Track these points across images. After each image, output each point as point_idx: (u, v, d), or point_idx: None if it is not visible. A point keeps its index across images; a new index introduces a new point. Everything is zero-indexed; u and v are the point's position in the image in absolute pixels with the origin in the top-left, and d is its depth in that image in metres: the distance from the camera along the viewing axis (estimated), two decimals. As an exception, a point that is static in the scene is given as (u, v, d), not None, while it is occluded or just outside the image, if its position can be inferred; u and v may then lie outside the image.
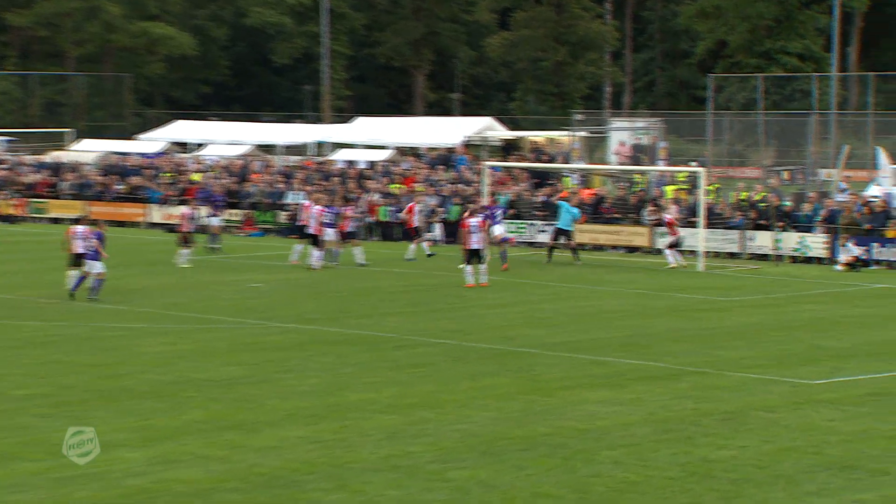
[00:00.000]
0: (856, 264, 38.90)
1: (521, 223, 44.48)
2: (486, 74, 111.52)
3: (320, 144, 63.27)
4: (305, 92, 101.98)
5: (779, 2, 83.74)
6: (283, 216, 50.59)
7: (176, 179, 55.10)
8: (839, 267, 39.04)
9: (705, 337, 26.76)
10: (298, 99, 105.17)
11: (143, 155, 60.40)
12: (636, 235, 44.22)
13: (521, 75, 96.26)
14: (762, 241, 41.84)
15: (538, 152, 55.58)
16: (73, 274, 32.03)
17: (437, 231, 46.80)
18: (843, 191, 47.01)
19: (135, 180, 55.25)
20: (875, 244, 39.73)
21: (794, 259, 41.39)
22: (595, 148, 60.94)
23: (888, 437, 18.16)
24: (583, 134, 56.39)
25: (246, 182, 53.25)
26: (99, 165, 58.48)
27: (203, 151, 62.24)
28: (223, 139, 64.26)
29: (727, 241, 42.53)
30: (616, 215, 44.95)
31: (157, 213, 53.66)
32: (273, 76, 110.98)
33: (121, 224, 54.27)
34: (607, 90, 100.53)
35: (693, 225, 41.52)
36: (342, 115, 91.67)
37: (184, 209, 41.44)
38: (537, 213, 45.16)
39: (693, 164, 53.00)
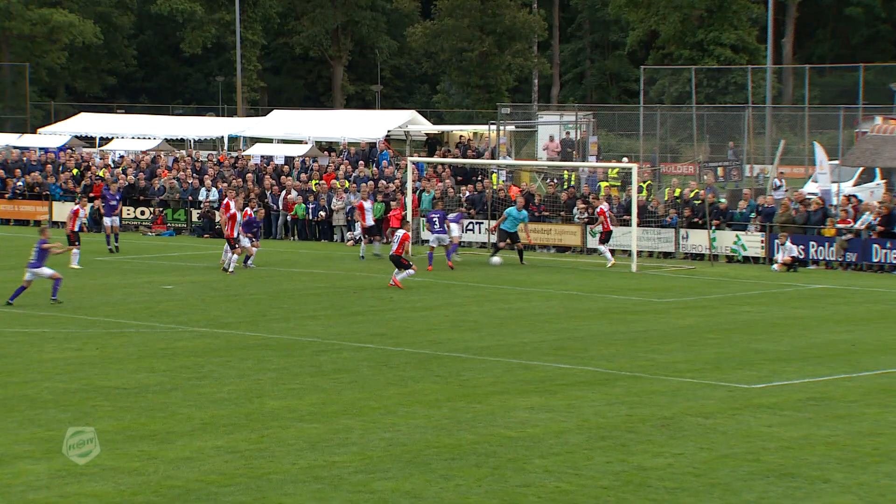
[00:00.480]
0: (793, 264, 39.42)
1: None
2: (408, 66, 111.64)
3: (233, 139, 62.90)
4: (217, 83, 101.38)
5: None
6: (195, 214, 50.24)
7: (81, 175, 54.47)
8: (776, 267, 39.54)
9: (639, 340, 26.97)
10: (210, 91, 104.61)
11: (44, 149, 59.64)
12: (567, 234, 44.47)
13: (445, 67, 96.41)
14: (697, 239, 42.27)
15: (464, 147, 55.70)
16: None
17: (359, 230, 46.71)
18: (778, 188, 47.66)
19: (36, 176, 54.52)
20: (812, 243, 40.29)
21: (730, 259, 41.85)
22: (523, 143, 61.23)
23: (828, 443, 18.42)
24: (510, 128, 56.63)
25: (155, 178, 52.80)
26: (-3, 160, 57.62)
27: (109, 146, 61.61)
28: (131, 133, 63.71)
29: (661, 240, 42.91)
30: (546, 213, 45.16)
31: (60, 211, 52.96)
32: (183, 67, 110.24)
33: (21, 223, 53.62)
34: (535, 82, 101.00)
35: (626, 223, 41.84)
36: (257, 108, 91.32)
37: (72, 206, 40.90)
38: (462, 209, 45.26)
39: (624, 159, 53.45)
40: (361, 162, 52.71)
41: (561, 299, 33.15)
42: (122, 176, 52.99)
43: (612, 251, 41.12)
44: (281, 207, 48.87)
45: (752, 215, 42.25)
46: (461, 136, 58.40)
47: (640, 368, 23.72)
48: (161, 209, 51.04)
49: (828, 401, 21.15)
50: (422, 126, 60.39)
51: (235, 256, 37.63)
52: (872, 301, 33.47)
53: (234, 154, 57.89)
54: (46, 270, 31.01)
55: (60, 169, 55.60)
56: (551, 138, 55.92)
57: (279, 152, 56.84)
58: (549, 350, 25.58)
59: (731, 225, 42.37)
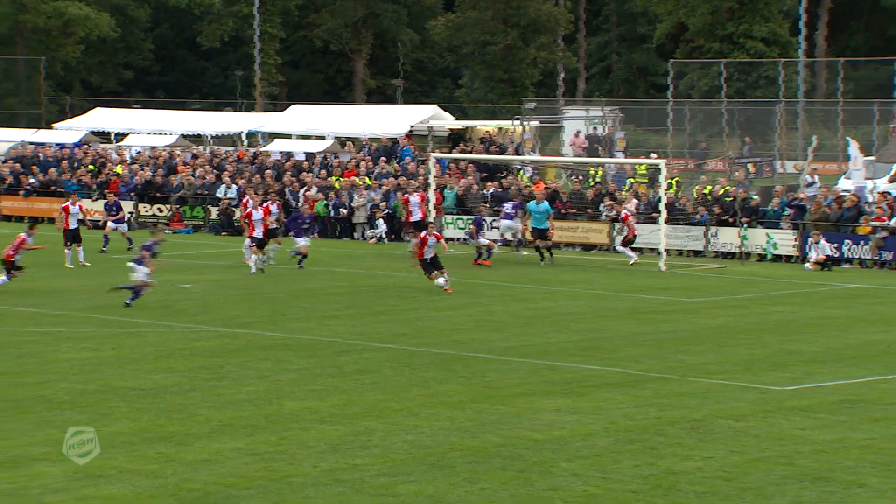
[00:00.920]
0: (827, 263, 39.29)
1: (469, 219, 44.49)
2: (430, 59, 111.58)
3: (252, 134, 63.03)
4: (236, 77, 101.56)
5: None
6: (213, 212, 50.35)
7: (97, 172, 54.66)
8: (809, 266, 39.41)
9: (668, 340, 26.92)
10: (228, 85, 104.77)
11: (60, 145, 59.85)
12: (593, 232, 44.41)
13: (468, 60, 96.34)
14: (727, 237, 42.15)
15: (487, 143, 55.69)
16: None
17: (382, 227, 46.79)
18: (811, 184, 47.51)
19: (51, 173, 54.74)
20: (846, 241, 40.14)
21: (761, 257, 41.73)
22: (548, 138, 61.17)
23: (863, 446, 18.36)
24: (535, 123, 56.56)
25: (173, 175, 52.94)
26: (11, 156, 57.87)
27: (126, 141, 61.80)
28: (147, 128, 63.87)
29: (690, 238, 42.81)
30: (572, 211, 45.11)
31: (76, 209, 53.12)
32: (200, 61, 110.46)
33: (36, 220, 53.72)
34: (560, 76, 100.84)
35: (654, 221, 41.76)
36: (276, 103, 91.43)
37: (64, 203, 40.27)
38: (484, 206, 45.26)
39: (652, 155, 53.35)
40: (382, 158, 52.76)
41: (588, 299, 33.12)
42: (139, 172, 53.19)
43: (639, 249, 41.06)
44: (301, 204, 48.91)
45: (785, 213, 42.11)
46: (485, 131, 58.40)
47: (670, 370, 23.69)
48: (178, 206, 51.16)
49: (863, 403, 21.08)
50: (445, 121, 60.39)
51: (254, 257, 37.23)
52: (908, 301, 33.35)
53: (253, 150, 58.00)
54: (141, 273, 30.67)
55: (76, 165, 55.82)
56: (577, 134, 55.86)
57: (299, 148, 56.93)
58: (575, 351, 25.56)
59: (762, 223, 42.24)
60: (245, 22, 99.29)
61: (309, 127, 60.38)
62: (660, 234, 40.20)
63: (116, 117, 67.16)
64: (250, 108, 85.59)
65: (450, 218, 46.19)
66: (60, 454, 17.54)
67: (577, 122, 56.86)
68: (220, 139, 65.68)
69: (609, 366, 24.02)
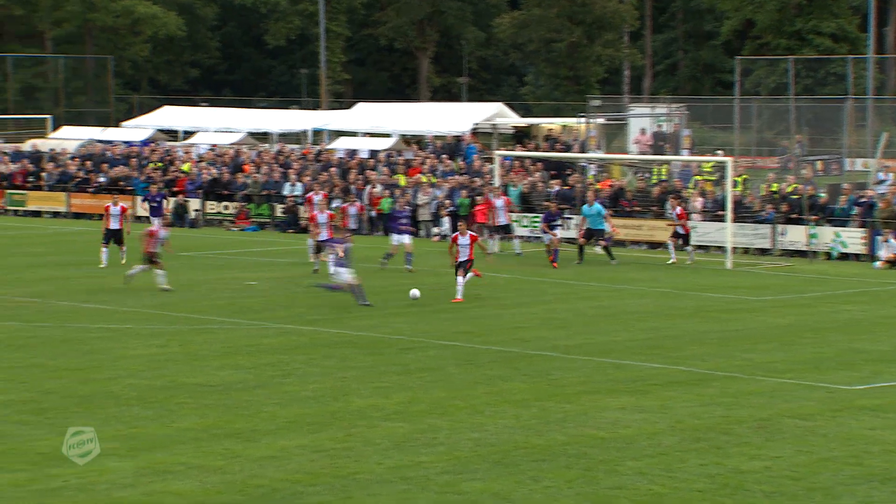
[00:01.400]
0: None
1: (535, 216, 44.44)
2: (495, 57, 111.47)
3: (317, 132, 63.30)
4: (301, 76, 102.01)
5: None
6: (279, 209, 50.64)
7: (164, 170, 55.13)
8: (879, 264, 39.01)
9: (734, 339, 26.76)
10: (294, 83, 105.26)
11: (128, 143, 60.44)
12: (659, 230, 44.19)
13: (534, 58, 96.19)
14: (795, 236, 41.81)
15: (552, 141, 55.57)
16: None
17: (446, 225, 46.83)
18: (881, 181, 47.02)
19: (119, 170, 55.29)
20: (916, 239, 39.67)
21: (829, 256, 41.35)
22: (613, 136, 60.96)
23: (933, 446, 18.17)
24: (600, 121, 56.38)
25: (239, 173, 53.28)
26: (80, 154, 58.52)
27: (192, 139, 62.27)
28: (214, 126, 64.33)
29: (757, 236, 42.50)
30: (637, 209, 44.93)
31: (143, 206, 53.67)
32: (266, 59, 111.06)
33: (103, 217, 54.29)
34: (626, 74, 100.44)
35: (720, 219, 41.50)
36: (341, 101, 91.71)
37: (107, 203, 39.76)
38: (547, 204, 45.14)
39: (719, 153, 53.01)
40: (446, 156, 52.80)
41: (653, 297, 32.98)
42: (206, 170, 53.59)
43: (706, 247, 40.78)
44: (366, 202, 49.09)
45: (853, 211, 41.70)
46: (549, 129, 58.28)
47: (736, 368, 23.54)
48: (244, 204, 51.50)
49: (933, 403, 20.86)
50: (509, 119, 60.36)
51: (328, 258, 36.63)
52: (980, 300, 32.93)
53: (317, 148, 58.25)
54: (346, 274, 30.46)
55: (144, 163, 56.34)
56: (642, 131, 55.65)
57: (364, 146, 57.10)
58: (640, 349, 25.46)
59: (830, 220, 41.86)
60: (311, 20, 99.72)
61: (374, 125, 60.55)
62: (726, 232, 39.94)
63: (183, 115, 67.73)
64: (316, 106, 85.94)
65: (514, 216, 46.11)
66: (128, 450, 17.72)
67: (642, 120, 56.65)
68: (286, 137, 66.01)
69: (674, 364, 23.90)
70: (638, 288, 34.55)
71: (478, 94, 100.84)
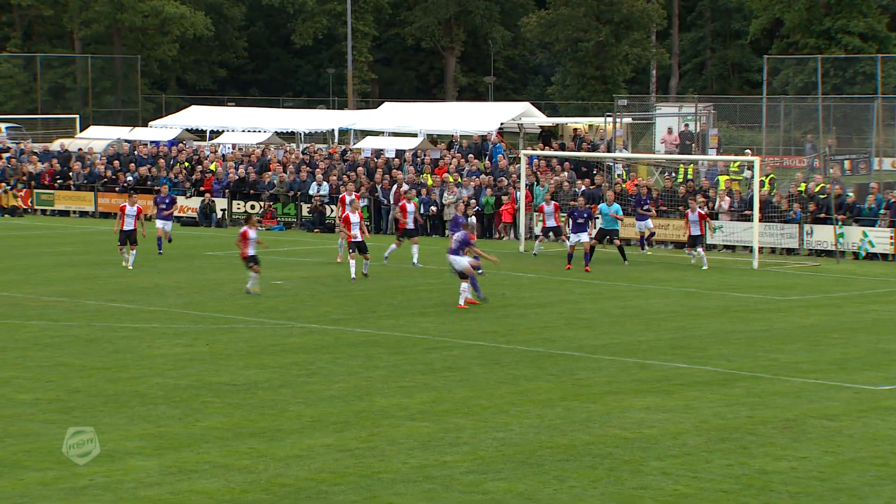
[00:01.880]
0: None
1: (562, 216, 44.35)
2: (522, 56, 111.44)
3: (344, 132, 63.39)
4: (328, 75, 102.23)
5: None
6: (305, 209, 50.73)
7: (192, 169, 55.31)
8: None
9: (760, 339, 26.68)
10: (321, 83, 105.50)
11: (156, 143, 60.68)
12: (685, 229, 44.03)
13: (560, 57, 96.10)
14: (822, 235, 41.66)
15: (579, 140, 55.50)
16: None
17: (472, 224, 46.78)
18: (909, 182, 46.82)
19: (147, 170, 55.50)
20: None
21: (857, 255, 41.18)
22: (640, 135, 60.85)
23: (960, 447, 18.07)
24: (627, 120, 56.30)
25: (265, 172, 53.41)
26: (108, 154, 58.77)
27: (219, 139, 62.47)
28: (241, 126, 64.51)
29: (784, 235, 42.36)
30: (663, 208, 44.84)
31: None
32: (293, 59, 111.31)
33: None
34: (653, 73, 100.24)
35: (747, 219, 41.38)
36: (367, 101, 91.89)
37: (123, 203, 39.05)
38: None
39: (746, 152, 52.86)
40: (472, 155, 52.81)
41: (678, 297, 32.91)
42: (233, 169, 53.73)
43: (732, 247, 40.63)
44: (392, 202, 49.15)
45: (882, 211, 41.52)
46: (575, 128, 58.20)
47: (762, 368, 23.48)
48: (271, 203, 51.62)
49: (960, 404, 20.76)
50: (536, 118, 60.31)
51: (353, 262, 35.33)
52: None
53: (343, 147, 58.34)
54: (462, 261, 30.33)
55: (172, 163, 56.54)
56: (669, 130, 55.51)
57: (390, 145, 57.16)
58: (666, 349, 25.42)
59: (857, 220, 41.68)
60: (338, 20, 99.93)
61: (400, 124, 60.61)
62: (753, 232, 39.82)
63: (211, 115, 67.95)
64: (342, 106, 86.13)
65: (541, 215, 46.05)
66: (154, 449, 17.79)
67: (669, 119, 56.51)
68: (313, 136, 66.16)
69: (700, 364, 23.85)
70: (663, 288, 34.49)
71: (504, 94, 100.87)
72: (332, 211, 48.57)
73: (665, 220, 44.41)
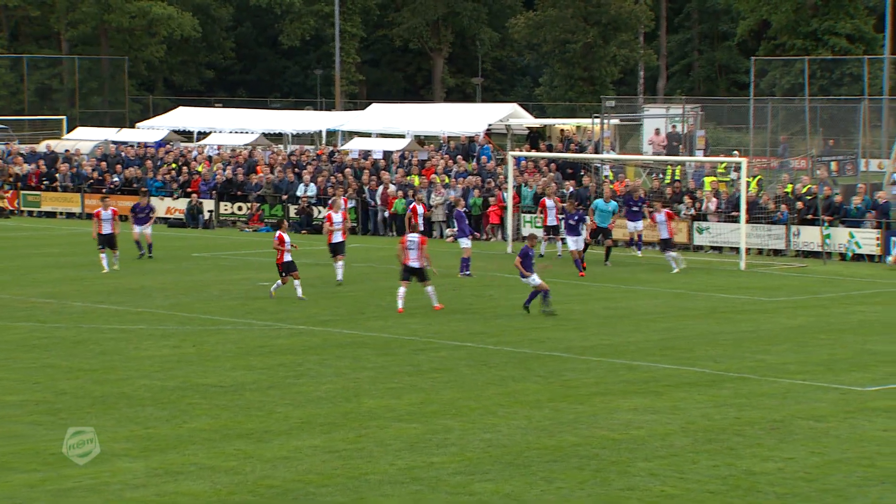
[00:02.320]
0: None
1: (561, 216, 44.32)
2: (509, 58, 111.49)
3: (331, 133, 63.38)
4: (316, 76, 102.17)
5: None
6: (292, 210, 50.71)
7: (179, 170, 55.25)
8: (891, 260, 38.95)
9: (748, 340, 26.73)
10: (308, 84, 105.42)
11: (143, 144, 60.59)
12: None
13: (548, 58, 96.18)
14: (809, 236, 41.74)
15: (566, 141, 55.56)
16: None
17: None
18: (895, 183, 46.94)
19: (134, 171, 55.43)
20: (931, 240, 39.61)
21: (844, 257, 41.28)
22: (628, 137, 60.94)
23: (947, 448, 18.13)
24: (614, 121, 56.37)
25: (252, 173, 53.37)
26: (95, 155, 58.67)
27: (207, 140, 62.43)
28: (228, 127, 64.45)
29: (771, 237, 42.44)
30: (650, 209, 44.83)
31: (158, 207, 53.85)
32: (281, 59, 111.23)
33: (119, 218, 54.39)
34: (641, 74, 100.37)
35: (734, 220, 41.46)
36: (355, 102, 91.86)
37: (97, 209, 38.39)
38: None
39: (734, 153, 52.97)
40: (460, 156, 52.82)
41: (666, 298, 32.96)
42: (220, 171, 53.67)
43: (719, 248, 40.58)
44: (379, 203, 49.15)
45: (869, 211, 41.60)
46: (562, 129, 58.25)
47: (749, 369, 23.52)
48: (258, 205, 51.58)
49: (946, 405, 20.81)
50: (523, 119, 60.34)
51: (339, 264, 34.96)
52: None
53: (330, 148, 58.31)
54: (534, 279, 29.45)
55: (159, 164, 56.47)
56: (657, 132, 55.59)
57: (378, 147, 57.16)
58: (653, 350, 25.46)
59: (844, 221, 41.77)
60: (325, 21, 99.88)
61: (388, 125, 60.60)
62: (740, 233, 39.89)
63: (198, 116, 67.86)
64: (330, 107, 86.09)
65: (528, 216, 46.15)
66: (141, 450, 17.77)
67: (656, 120, 56.59)
68: (300, 138, 66.12)
69: (687, 365, 23.89)
70: (651, 289, 34.54)
71: (492, 95, 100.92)
72: (319, 212, 48.55)
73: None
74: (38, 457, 17.46)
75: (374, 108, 64.76)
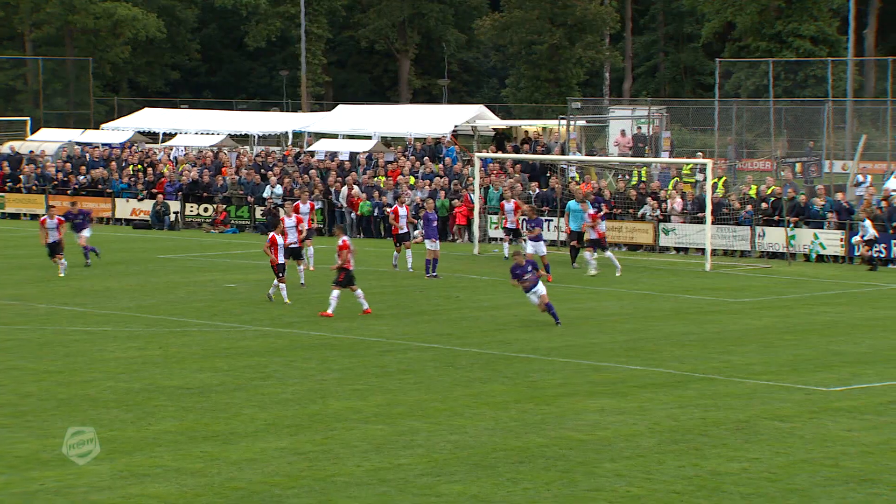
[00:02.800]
0: (872, 244, 39.15)
1: (522, 218, 44.36)
2: (476, 59, 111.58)
3: (297, 134, 63.27)
4: (282, 78, 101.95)
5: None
6: (258, 212, 50.58)
7: (144, 172, 55.01)
8: (856, 239, 39.30)
9: (713, 341, 26.84)
10: (274, 85, 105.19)
11: (108, 145, 60.31)
12: (638, 232, 44.33)
13: (514, 60, 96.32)
14: (774, 238, 41.94)
15: (533, 143, 55.62)
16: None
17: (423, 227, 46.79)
18: (860, 184, 47.23)
19: (99, 173, 55.17)
20: (895, 241, 39.83)
21: (808, 258, 41.48)
22: (594, 138, 61.06)
23: (910, 448, 18.25)
24: (580, 123, 56.47)
25: (218, 175, 53.20)
26: (60, 156, 58.37)
27: (172, 141, 62.20)
28: (194, 128, 64.21)
29: (736, 238, 42.62)
30: (616, 211, 45.00)
31: (123, 208, 53.65)
32: (247, 61, 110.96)
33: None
34: (606, 76, 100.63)
35: (700, 221, 41.61)
36: (321, 103, 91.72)
37: (42, 217, 37.87)
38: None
39: (698, 155, 53.16)
40: (427, 158, 52.82)
41: (632, 299, 33.04)
42: (186, 172, 53.48)
43: (685, 250, 40.68)
44: (345, 204, 49.08)
45: (830, 210, 41.80)
46: (525, 131, 58.30)
47: (714, 370, 23.61)
48: (224, 206, 51.43)
49: (910, 405, 20.95)
50: (490, 121, 60.35)
51: (301, 268, 34.63)
52: (957, 302, 33.07)
53: (296, 150, 58.18)
54: (540, 288, 28.38)
55: (124, 165, 56.23)
56: (623, 133, 55.73)
57: (344, 148, 57.07)
58: (620, 351, 25.52)
59: (808, 223, 41.98)
60: (291, 22, 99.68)
61: (354, 127, 60.51)
62: (705, 234, 40.04)
63: (163, 117, 67.57)
64: (296, 108, 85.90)
65: (494, 218, 46.18)
66: (106, 453, 17.68)
67: (622, 122, 56.73)
68: (266, 139, 65.96)
69: (653, 366, 23.96)
70: (617, 290, 34.62)
71: (458, 96, 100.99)
72: (285, 214, 48.38)
73: (619, 223, 44.57)
74: (3, 459, 17.36)
75: (341, 109, 64.67)
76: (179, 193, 52.51)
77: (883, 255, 39.67)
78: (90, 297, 32.53)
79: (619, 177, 49.84)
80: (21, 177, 56.63)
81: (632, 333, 27.70)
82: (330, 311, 29.52)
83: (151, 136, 65.21)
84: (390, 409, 20.37)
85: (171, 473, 16.75)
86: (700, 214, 41.79)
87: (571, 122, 54.21)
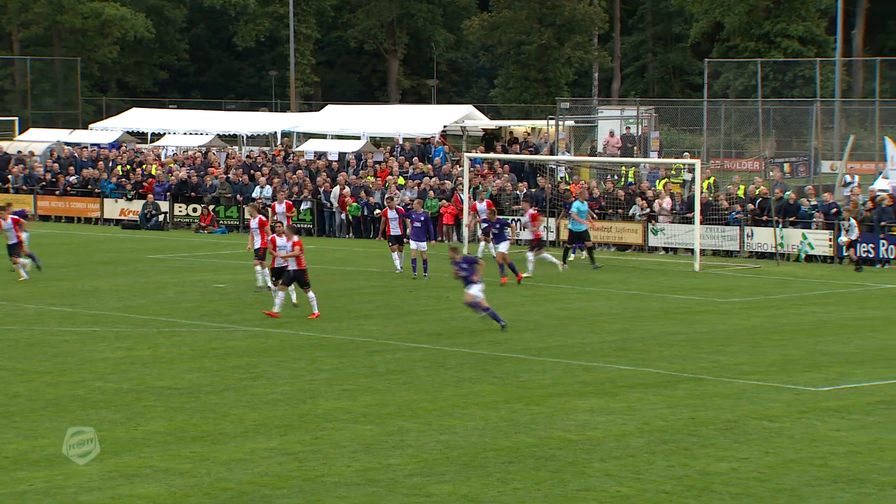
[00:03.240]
0: (856, 243, 39.28)
1: (507, 218, 44.39)
2: (464, 59, 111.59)
3: (286, 134, 63.22)
4: (270, 78, 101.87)
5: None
6: (247, 212, 50.48)
7: (132, 172, 54.93)
8: (843, 239, 39.36)
9: (702, 341, 26.87)
10: (263, 85, 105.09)
11: (96, 145, 60.21)
12: (627, 232, 44.37)
13: (503, 60, 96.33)
14: (762, 238, 42.00)
15: (522, 143, 55.64)
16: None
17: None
18: (848, 184, 47.32)
19: (88, 173, 55.08)
20: (883, 241, 39.93)
21: (797, 258, 41.53)
22: (582, 138, 61.11)
23: (899, 447, 18.29)
24: (569, 123, 56.51)
25: (207, 175, 53.13)
26: (48, 157, 58.26)
27: (161, 141, 62.12)
28: (182, 128, 64.13)
29: (725, 238, 42.68)
30: (606, 211, 45.04)
31: (111, 208, 53.56)
32: (236, 61, 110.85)
33: (72, 220, 54.19)
34: (595, 76, 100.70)
35: (688, 221, 41.66)
36: (310, 103, 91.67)
37: None
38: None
39: (687, 155, 53.23)
40: (416, 158, 52.81)
41: (621, 299, 33.07)
42: (174, 172, 53.41)
43: (674, 250, 40.66)
44: (335, 205, 49.06)
45: (816, 210, 41.87)
46: (511, 131, 58.33)
47: (703, 370, 23.64)
48: (213, 206, 51.36)
49: (898, 404, 20.99)
50: (478, 121, 60.39)
51: (258, 268, 33.32)
52: (945, 302, 33.14)
53: (286, 149, 58.13)
54: (476, 291, 27.73)
55: (112, 165, 56.15)
56: (611, 133, 55.79)
57: (333, 148, 57.05)
58: (609, 351, 25.55)
59: (794, 223, 42.05)
60: (280, 22, 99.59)
61: (343, 127, 60.49)
62: (694, 234, 40.09)
63: (152, 117, 67.48)
64: (285, 109, 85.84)
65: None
66: (97, 453, 17.65)
67: (611, 122, 56.79)
68: (255, 139, 65.90)
69: (642, 366, 23.98)
70: (606, 290, 34.65)
71: (447, 97, 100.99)
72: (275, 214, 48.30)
73: (608, 223, 44.61)
74: (-9, 460, 17.34)
75: (330, 109, 64.65)
76: (168, 194, 52.43)
77: (871, 255, 39.71)
78: (79, 298, 32.48)
79: (609, 177, 49.88)
80: (9, 177, 56.52)
81: (621, 333, 27.72)
82: (276, 310, 29.18)
83: (140, 137, 65.12)
84: (380, 410, 20.37)
85: (160, 474, 16.73)
86: (689, 214, 41.84)
87: (560, 123, 54.25)
